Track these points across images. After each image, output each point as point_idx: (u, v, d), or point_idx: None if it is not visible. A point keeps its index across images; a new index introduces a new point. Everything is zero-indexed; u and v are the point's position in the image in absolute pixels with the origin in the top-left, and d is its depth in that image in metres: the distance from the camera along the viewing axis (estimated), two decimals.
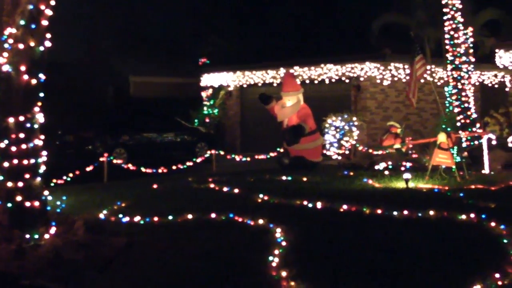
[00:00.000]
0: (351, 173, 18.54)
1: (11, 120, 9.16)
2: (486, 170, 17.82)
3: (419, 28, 23.81)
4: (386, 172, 18.18)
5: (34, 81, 9.30)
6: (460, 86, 20.27)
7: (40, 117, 9.53)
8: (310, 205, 12.76)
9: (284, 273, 7.73)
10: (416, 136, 25.21)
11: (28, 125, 9.29)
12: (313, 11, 36.78)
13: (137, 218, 11.64)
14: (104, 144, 23.51)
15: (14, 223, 9.10)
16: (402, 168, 18.34)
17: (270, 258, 8.42)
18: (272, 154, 21.73)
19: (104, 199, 14.33)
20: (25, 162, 9.25)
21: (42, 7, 9.33)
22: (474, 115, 20.32)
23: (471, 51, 20.74)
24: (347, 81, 25.65)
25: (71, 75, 33.68)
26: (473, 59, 20.81)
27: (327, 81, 26.24)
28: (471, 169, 17.81)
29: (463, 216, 11.06)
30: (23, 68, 9.17)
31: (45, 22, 9.41)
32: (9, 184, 9.15)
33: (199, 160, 21.38)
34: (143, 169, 19.45)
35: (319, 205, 12.61)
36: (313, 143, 20.62)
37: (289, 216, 11.53)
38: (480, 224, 10.58)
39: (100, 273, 8.26)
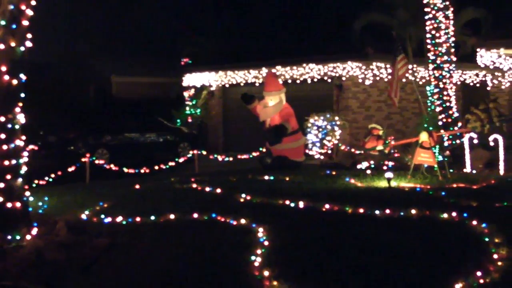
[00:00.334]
0: (334, 173, 18.57)
1: None
2: (468, 169, 17.91)
3: (401, 27, 23.88)
4: (368, 172, 18.22)
5: (15, 82, 9.27)
6: (441, 85, 20.34)
7: (21, 118, 9.50)
8: (292, 204, 12.77)
9: (266, 273, 7.74)
10: (398, 135, 25.31)
11: (9, 125, 9.26)
12: (295, 10, 36.83)
13: (119, 219, 11.61)
14: (86, 144, 23.44)
15: None
16: (384, 167, 18.40)
17: (253, 257, 8.43)
18: (254, 154, 21.73)
19: (86, 200, 14.28)
20: (6, 163, 9.22)
21: (23, 7, 9.30)
22: (456, 114, 20.40)
23: (452, 50, 20.82)
24: (329, 80, 25.70)
25: (53, 75, 33.58)
26: (454, 59, 20.88)
27: (309, 81, 26.28)
28: (453, 168, 17.89)
29: (445, 215, 11.10)
30: (3, 68, 9.13)
31: (25, 22, 9.38)
32: None
33: (181, 160, 21.33)
34: (125, 170, 19.40)
35: (301, 204, 12.62)
36: (295, 142, 20.64)
37: (272, 216, 11.53)
38: (461, 223, 10.63)
39: (82, 274, 8.23)
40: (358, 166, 19.48)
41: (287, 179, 17.42)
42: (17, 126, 9.41)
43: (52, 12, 31.14)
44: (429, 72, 20.77)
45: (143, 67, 38.22)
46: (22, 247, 8.97)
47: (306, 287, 7.54)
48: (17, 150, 9.41)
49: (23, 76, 9.44)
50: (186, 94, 32.46)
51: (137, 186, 16.48)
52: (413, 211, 11.42)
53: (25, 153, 9.67)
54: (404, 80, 23.32)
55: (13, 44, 9.22)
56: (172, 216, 11.66)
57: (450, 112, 20.27)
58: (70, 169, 18.29)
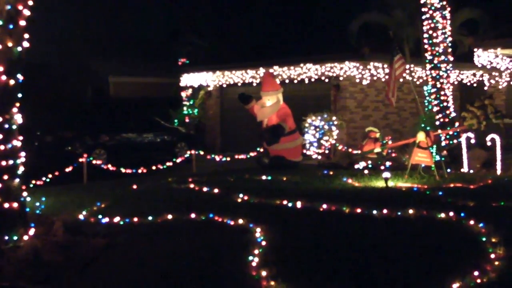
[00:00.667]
0: (331, 173, 18.58)
1: None
2: (465, 169, 17.93)
3: (398, 27, 23.86)
4: (366, 171, 18.23)
5: (12, 82, 9.25)
6: (439, 85, 20.36)
7: (19, 118, 9.49)
8: (290, 204, 12.79)
9: (264, 273, 7.74)
10: (396, 135, 25.31)
11: (6, 126, 9.24)
12: (293, 10, 36.80)
13: (116, 219, 11.62)
14: (84, 144, 23.38)
15: None
16: (382, 167, 18.41)
17: (250, 257, 8.43)
18: (252, 154, 21.74)
19: (84, 200, 14.28)
20: (4, 163, 9.21)
21: (20, 7, 9.28)
22: (453, 114, 20.42)
23: (449, 50, 20.85)
24: (326, 80, 25.67)
25: (50, 75, 33.53)
26: (451, 58, 20.90)
27: (306, 81, 26.26)
28: (450, 167, 17.92)
29: (442, 215, 11.13)
30: (0, 68, 9.12)
31: (23, 23, 9.36)
32: None
33: (179, 160, 21.32)
34: (122, 170, 19.38)
35: (299, 204, 12.64)
36: (292, 142, 20.66)
37: (269, 216, 11.55)
38: (459, 223, 10.65)
39: (80, 274, 8.23)
40: (356, 166, 19.50)
41: (285, 179, 17.43)
42: (14, 127, 9.39)
43: (50, 12, 31.12)
44: (426, 72, 20.78)
45: (140, 67, 38.20)
46: (20, 248, 8.96)
47: (303, 287, 7.54)
48: (14, 150, 9.40)
49: (20, 76, 9.43)
50: (183, 94, 32.43)
51: (135, 186, 16.48)
52: (411, 211, 11.44)
53: (23, 154, 9.66)
54: (401, 80, 23.34)
55: (10, 44, 9.21)
56: (169, 216, 11.67)
57: (447, 112, 20.30)
58: (67, 170, 18.27)
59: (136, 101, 33.84)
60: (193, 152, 21.32)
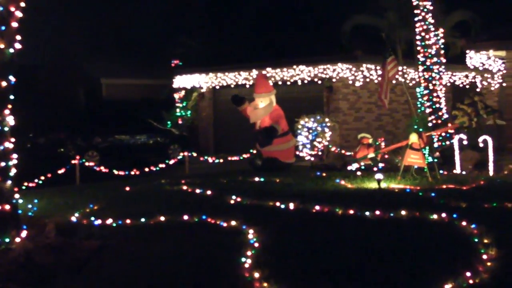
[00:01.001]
0: (324, 174, 18.59)
1: None
2: (457, 170, 17.96)
3: (390, 29, 23.89)
4: (359, 173, 18.25)
5: (4, 84, 9.23)
6: (431, 87, 20.40)
7: (11, 120, 9.46)
8: (283, 206, 12.79)
9: (257, 274, 7.74)
10: (389, 136, 25.35)
11: None
12: (286, 12, 36.83)
13: (109, 221, 11.59)
14: (76, 146, 23.35)
15: None
16: (375, 169, 18.43)
17: (243, 259, 8.43)
18: (245, 156, 21.73)
19: (77, 202, 14.25)
20: None
21: (12, 8, 9.27)
22: (446, 116, 20.47)
23: (442, 52, 20.89)
24: (319, 82, 25.69)
25: (42, 77, 33.49)
26: (444, 60, 20.95)
27: (299, 83, 26.27)
28: (443, 169, 17.95)
29: (435, 216, 11.14)
30: None
31: (15, 24, 9.34)
32: None
33: (172, 162, 21.31)
34: (115, 172, 19.36)
35: (292, 206, 12.64)
36: (285, 144, 20.67)
37: (262, 217, 11.54)
38: (451, 224, 10.67)
39: (73, 276, 8.21)
40: (349, 168, 19.52)
41: (278, 180, 17.43)
42: (6, 128, 9.37)
43: (42, 14, 31.08)
44: (419, 74, 20.82)
45: (133, 69, 38.19)
46: (12, 250, 8.93)
47: None
48: (6, 152, 9.37)
49: (12, 78, 9.40)
50: (176, 96, 32.45)
51: (128, 188, 16.45)
52: (403, 212, 11.45)
53: (15, 155, 9.64)
54: (394, 81, 23.35)
55: (2, 46, 9.19)
56: (162, 218, 11.65)
57: (440, 113, 20.34)
58: (60, 171, 18.24)
59: (129, 102, 33.85)
60: (186, 153, 21.31)
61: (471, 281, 7.43)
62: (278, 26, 35.41)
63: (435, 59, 20.42)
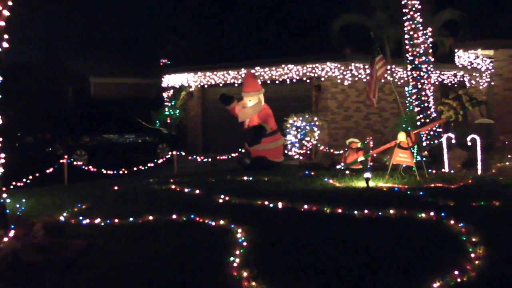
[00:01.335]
0: (312, 173, 18.60)
1: None
2: (445, 169, 18.00)
3: (379, 28, 23.95)
4: (347, 172, 18.27)
5: None
6: (419, 86, 20.48)
7: None
8: (271, 205, 12.80)
9: (245, 273, 7.74)
10: (377, 135, 25.39)
11: None
12: (274, 11, 36.86)
13: (97, 220, 11.58)
14: (65, 145, 23.31)
15: None
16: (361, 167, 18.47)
17: (231, 258, 8.43)
18: (233, 155, 21.73)
19: (65, 201, 14.21)
20: None
21: None
22: (434, 115, 20.53)
23: (430, 51, 20.96)
24: (308, 81, 25.70)
25: (30, 76, 33.35)
26: (432, 59, 21.03)
27: (288, 82, 26.28)
28: (431, 167, 17.99)
29: (423, 215, 11.18)
30: None
31: (2, 23, 9.31)
32: None
33: (160, 161, 21.27)
34: (103, 171, 19.31)
35: (280, 205, 12.65)
36: (274, 143, 20.67)
37: (250, 216, 11.55)
38: (439, 222, 10.69)
39: (60, 276, 8.19)
40: (337, 167, 19.54)
41: (266, 179, 17.44)
42: None
43: (30, 13, 30.96)
44: (407, 73, 20.89)
45: (121, 68, 38.09)
46: None
47: (284, 287, 7.54)
48: None
49: None
50: (165, 95, 32.42)
51: (116, 188, 16.42)
52: (391, 211, 11.48)
53: (2, 155, 9.60)
54: (382, 80, 23.42)
55: None
56: (150, 217, 11.64)
57: (428, 112, 20.40)
58: (48, 171, 18.17)
59: (117, 102, 33.77)
60: (174, 153, 21.28)
61: (459, 280, 7.45)
62: (267, 25, 35.43)
63: (423, 58, 20.49)
